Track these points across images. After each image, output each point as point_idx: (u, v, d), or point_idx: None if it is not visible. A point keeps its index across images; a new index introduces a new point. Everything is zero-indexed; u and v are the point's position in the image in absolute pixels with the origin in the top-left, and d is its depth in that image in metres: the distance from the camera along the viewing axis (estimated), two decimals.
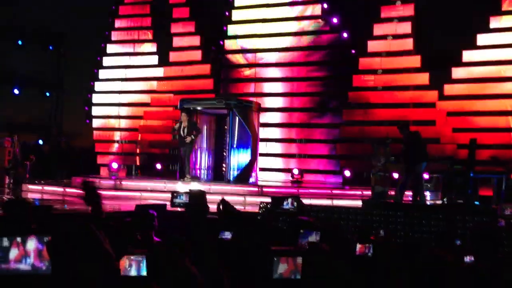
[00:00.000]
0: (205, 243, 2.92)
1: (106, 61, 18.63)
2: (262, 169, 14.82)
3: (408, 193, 10.12)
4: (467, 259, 3.65)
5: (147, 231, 4.03)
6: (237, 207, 10.48)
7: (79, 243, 1.84)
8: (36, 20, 18.89)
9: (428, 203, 10.63)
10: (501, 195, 10.10)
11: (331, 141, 15.63)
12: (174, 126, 12.56)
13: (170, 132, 12.85)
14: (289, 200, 7.46)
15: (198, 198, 3.20)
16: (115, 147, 18.13)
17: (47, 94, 19.20)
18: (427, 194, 11.03)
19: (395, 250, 3.71)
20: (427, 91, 14.55)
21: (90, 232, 1.87)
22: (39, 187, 13.12)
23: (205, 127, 13.65)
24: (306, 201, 8.77)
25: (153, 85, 17.91)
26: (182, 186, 11.98)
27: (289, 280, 2.51)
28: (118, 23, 18.69)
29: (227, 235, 3.58)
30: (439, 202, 11.11)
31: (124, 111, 18.30)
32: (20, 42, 18.42)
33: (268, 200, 9.62)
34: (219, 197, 11.18)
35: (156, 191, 11.89)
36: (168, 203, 8.45)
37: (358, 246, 3.32)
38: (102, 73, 18.64)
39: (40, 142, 18.39)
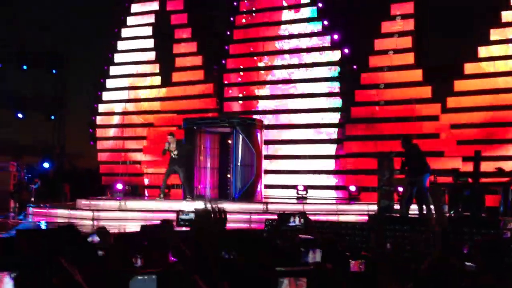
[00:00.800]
0: (211, 261, 2.89)
1: (109, 83, 18.78)
2: (267, 186, 14.79)
3: (414, 206, 10.05)
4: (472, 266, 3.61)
5: (163, 251, 4.02)
6: (243, 225, 10.48)
7: (47, 277, 1.83)
8: (39, 43, 19.14)
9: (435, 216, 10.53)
10: (508, 206, 10.01)
11: (335, 156, 15.60)
12: (165, 147, 12.68)
13: (162, 154, 12.84)
14: (296, 217, 7.35)
15: (204, 216, 3.18)
16: (120, 167, 18.15)
17: (52, 117, 19.33)
18: (433, 207, 10.92)
19: (397, 264, 3.68)
20: (430, 104, 14.55)
21: (59, 266, 1.86)
22: (44, 210, 13.13)
23: (208, 146, 13.68)
24: (311, 217, 8.71)
25: (157, 105, 18.02)
26: (187, 206, 11.95)
27: None
28: (120, 45, 18.89)
29: (230, 254, 3.55)
30: (446, 215, 11.00)
31: (128, 132, 18.36)
32: (25, 67, 18.63)
33: (274, 217, 9.59)
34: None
35: (161, 211, 11.85)
36: (174, 222, 8.42)
37: (352, 263, 3.29)
38: (106, 95, 18.78)
39: (46, 165, 18.46)
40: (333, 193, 15.35)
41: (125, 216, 11.70)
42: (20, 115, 18.11)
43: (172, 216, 10.90)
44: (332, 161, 15.64)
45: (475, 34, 14.02)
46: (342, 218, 10.84)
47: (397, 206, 10.30)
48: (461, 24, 13.73)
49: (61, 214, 12.56)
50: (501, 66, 13.82)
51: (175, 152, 12.31)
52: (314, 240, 4.74)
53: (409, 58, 14.88)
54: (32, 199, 13.79)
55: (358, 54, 15.59)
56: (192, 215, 6.48)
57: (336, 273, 2.79)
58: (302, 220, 7.22)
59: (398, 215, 9.82)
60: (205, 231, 3.14)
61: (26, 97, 18.78)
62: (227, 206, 12.30)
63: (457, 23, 13.84)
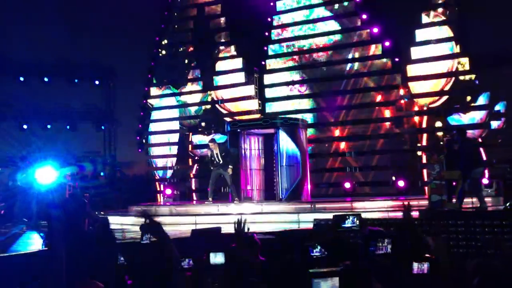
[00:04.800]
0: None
1: (153, 91, 19.22)
2: (314, 184, 14.73)
3: (468, 200, 9.76)
4: None
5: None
6: (291, 225, 10.48)
7: None
8: (86, 56, 19.84)
9: (489, 209, 10.19)
10: None
11: (382, 151, 15.34)
12: (208, 155, 12.92)
13: (205, 160, 13.14)
14: (351, 218, 7.36)
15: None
16: (169, 173, 18.54)
17: (102, 127, 20.02)
18: (488, 200, 10.59)
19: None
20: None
21: None
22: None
23: (253, 147, 13.76)
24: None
25: (201, 109, 18.32)
26: (235, 208, 12.09)
27: None
28: (163, 53, 19.32)
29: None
30: (501, 207, 10.63)
31: (175, 137, 18.70)
32: (76, 80, 19.39)
33: (322, 216, 9.55)
34: (271, 216, 11.23)
35: (209, 215, 12.04)
36: (222, 226, 8.55)
37: (415, 265, 3.21)
38: (151, 102, 19.25)
39: (102, 174, 19.10)
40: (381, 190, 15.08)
41: (177, 221, 11.91)
42: (69, 127, 18.87)
43: (221, 218, 11.03)
44: (380, 156, 15.39)
45: None
46: (392, 214, 10.63)
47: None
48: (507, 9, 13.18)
49: (113, 221, 12.94)
50: None
51: (219, 158, 12.48)
52: (382, 231, 4.72)
53: (454, 46, 14.46)
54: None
55: (399, 46, 15.28)
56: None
57: (365, 274, 2.78)
58: (357, 221, 7.17)
59: (450, 209, 9.56)
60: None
61: (77, 109, 19.53)
62: (274, 207, 12.38)
63: (501, 9, 13.30)
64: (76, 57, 19.65)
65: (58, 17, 19.03)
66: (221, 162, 12.52)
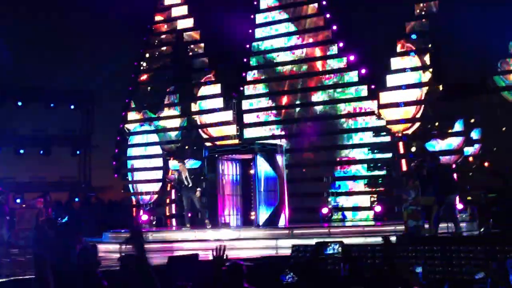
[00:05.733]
0: None
1: (131, 115, 19.07)
2: (292, 210, 14.71)
3: (443, 225, 9.88)
4: None
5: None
6: (269, 251, 10.40)
7: None
8: (65, 81, 19.70)
9: (464, 234, 10.33)
10: None
11: (359, 177, 15.45)
12: (175, 177, 12.82)
13: (173, 184, 13.04)
14: (333, 245, 7.43)
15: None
16: (146, 198, 18.27)
17: (78, 152, 19.76)
18: (463, 225, 10.73)
19: None
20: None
21: None
22: None
23: (231, 173, 13.73)
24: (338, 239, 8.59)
25: (178, 135, 18.24)
26: (212, 234, 11.98)
27: None
28: (141, 78, 19.28)
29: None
30: (476, 232, 10.78)
31: (152, 163, 18.49)
32: (52, 105, 19.17)
33: (300, 242, 9.51)
34: (249, 243, 11.12)
35: (186, 241, 11.89)
36: (199, 253, 8.43)
37: None
38: (129, 127, 19.10)
39: (76, 199, 18.79)
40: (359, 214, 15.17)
41: (152, 247, 11.71)
42: (43, 152, 18.59)
43: (198, 245, 10.87)
44: (357, 181, 15.50)
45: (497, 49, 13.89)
46: (369, 239, 10.66)
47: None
48: (480, 39, 13.61)
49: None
50: None
51: (188, 181, 12.41)
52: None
53: (427, 75, 14.83)
54: None
55: (375, 74, 15.59)
56: None
57: None
58: (339, 248, 7.18)
59: (426, 235, 9.65)
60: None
61: (53, 133, 19.27)
62: (252, 232, 12.29)
63: (475, 38, 13.72)
64: (53, 81, 19.50)
65: (36, 40, 18.94)
66: (189, 185, 12.44)
